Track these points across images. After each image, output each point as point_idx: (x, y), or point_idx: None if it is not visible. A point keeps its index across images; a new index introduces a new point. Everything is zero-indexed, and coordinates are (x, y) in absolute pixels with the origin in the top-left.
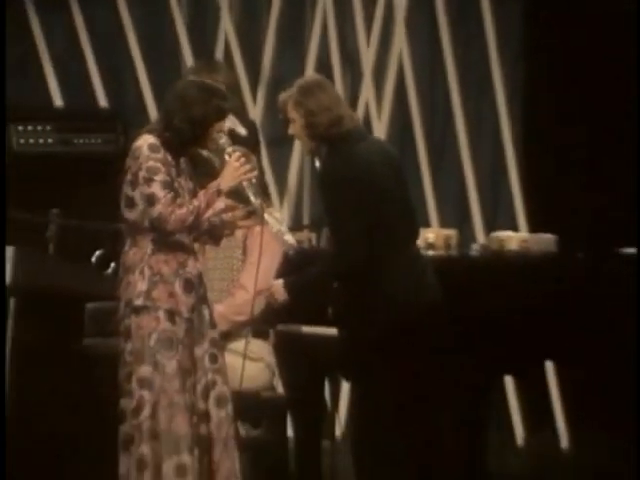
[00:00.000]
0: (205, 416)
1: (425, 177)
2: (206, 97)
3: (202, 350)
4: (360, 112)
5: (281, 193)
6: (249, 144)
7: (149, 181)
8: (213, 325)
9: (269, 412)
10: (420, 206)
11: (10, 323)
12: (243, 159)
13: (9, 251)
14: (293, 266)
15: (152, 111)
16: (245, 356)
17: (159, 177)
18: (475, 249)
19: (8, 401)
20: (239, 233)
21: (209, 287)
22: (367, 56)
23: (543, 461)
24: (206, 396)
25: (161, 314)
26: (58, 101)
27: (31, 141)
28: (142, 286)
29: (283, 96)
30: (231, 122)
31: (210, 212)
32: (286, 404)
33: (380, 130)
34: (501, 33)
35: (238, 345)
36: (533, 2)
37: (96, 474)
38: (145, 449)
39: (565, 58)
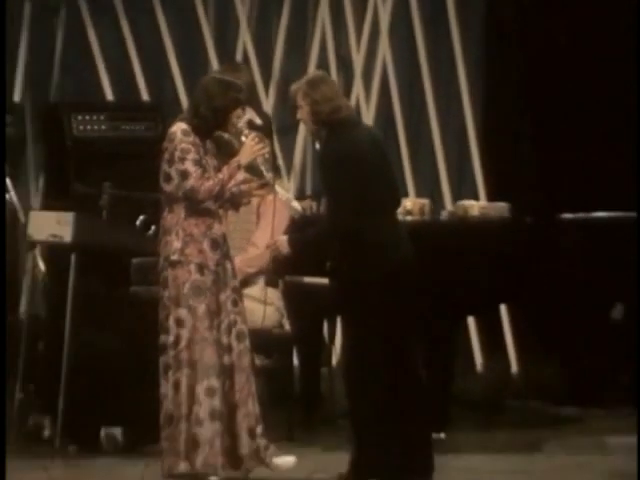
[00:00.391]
0: (228, 348)
1: (404, 157)
2: (225, 90)
3: (225, 296)
4: (352, 104)
5: (288, 169)
6: (264, 131)
7: (183, 159)
8: (234, 276)
9: (279, 346)
10: (400, 180)
11: (71, 274)
12: (257, 139)
13: (70, 216)
14: (298, 228)
15: (184, 103)
16: (266, 302)
17: (190, 156)
18: (444, 215)
19: (70, 337)
20: (254, 201)
21: (230, 245)
22: (357, 59)
23: (497, 383)
24: (229, 333)
25: (192, 267)
26: (109, 96)
27: (88, 128)
28: (177, 244)
29: (294, 87)
30: (250, 114)
31: (232, 183)
32: (292, 339)
33: (368, 119)
34: (465, 39)
35: (251, 291)
36: (493, 11)
37: (142, 394)
38: (180, 375)
39: (518, 60)
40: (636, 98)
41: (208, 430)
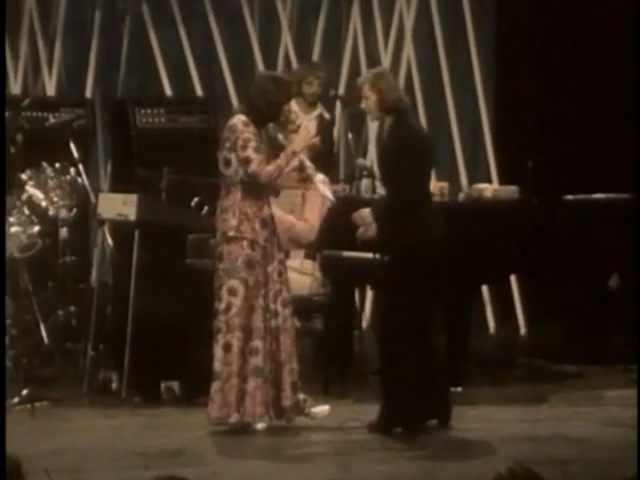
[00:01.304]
0: (275, 313)
1: None
2: (276, 86)
3: (272, 268)
4: None
5: None
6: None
7: (245, 147)
8: (280, 249)
9: (316, 311)
10: None
11: (135, 247)
12: (309, 128)
13: (134, 197)
14: (333, 211)
15: (234, 98)
16: (313, 274)
17: (252, 144)
18: (461, 196)
19: (134, 302)
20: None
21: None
22: (385, 59)
23: (507, 343)
24: (275, 300)
25: (245, 243)
26: (168, 92)
27: (150, 120)
28: (234, 222)
29: (360, 80)
30: (320, 108)
31: (288, 168)
32: (328, 305)
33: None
34: (479, 40)
35: (292, 263)
36: (504, 14)
37: (197, 353)
38: (230, 337)
39: (529, 53)
40: (636, 90)
41: (251, 384)
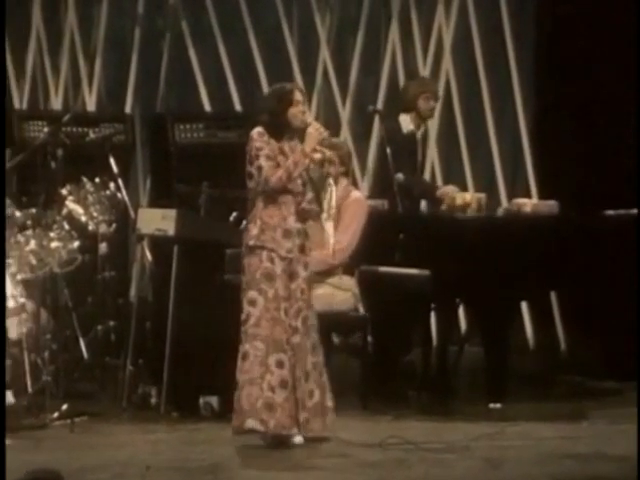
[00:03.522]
0: (295, 330)
1: (465, 159)
2: (277, 95)
3: (296, 284)
4: None
5: (362, 171)
6: (345, 156)
7: (257, 156)
8: (305, 268)
9: (354, 326)
10: (462, 179)
11: (174, 262)
12: (318, 127)
13: (173, 212)
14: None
15: None
16: (351, 290)
17: (263, 152)
18: (500, 211)
19: (173, 317)
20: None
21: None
22: (424, 74)
23: (547, 360)
24: (296, 316)
25: (264, 256)
26: (207, 107)
27: (188, 135)
28: (254, 231)
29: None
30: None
31: (299, 169)
32: (366, 320)
33: (433, 126)
34: (519, 52)
35: (332, 279)
36: (543, 27)
37: (235, 367)
38: (247, 347)
39: (569, 65)
40: None
41: (279, 396)
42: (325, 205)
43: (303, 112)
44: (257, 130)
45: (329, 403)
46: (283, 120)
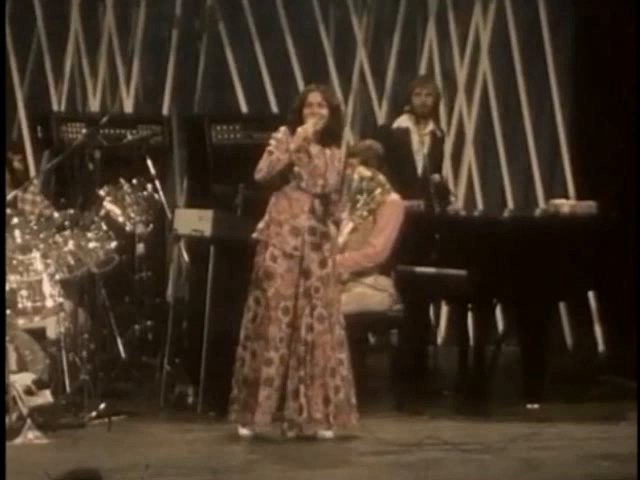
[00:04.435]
0: (310, 328)
1: (502, 160)
2: (299, 95)
3: (309, 283)
4: (455, 114)
5: None
6: (379, 159)
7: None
8: (322, 266)
9: (391, 326)
10: (499, 180)
11: (211, 263)
12: (306, 128)
13: (210, 213)
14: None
15: None
16: (387, 290)
17: (268, 148)
18: (538, 212)
19: (210, 317)
20: (372, 206)
21: (353, 243)
22: (461, 74)
23: (586, 360)
24: (311, 315)
25: (267, 255)
26: (244, 108)
27: (225, 136)
28: (261, 225)
29: None
30: (433, 125)
31: (280, 165)
32: (403, 320)
33: (470, 128)
34: (556, 53)
35: (368, 279)
36: (582, 27)
37: None
38: (255, 345)
39: (608, 65)
40: None
41: (262, 394)
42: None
43: (312, 113)
44: (280, 128)
45: (353, 400)
46: (298, 120)
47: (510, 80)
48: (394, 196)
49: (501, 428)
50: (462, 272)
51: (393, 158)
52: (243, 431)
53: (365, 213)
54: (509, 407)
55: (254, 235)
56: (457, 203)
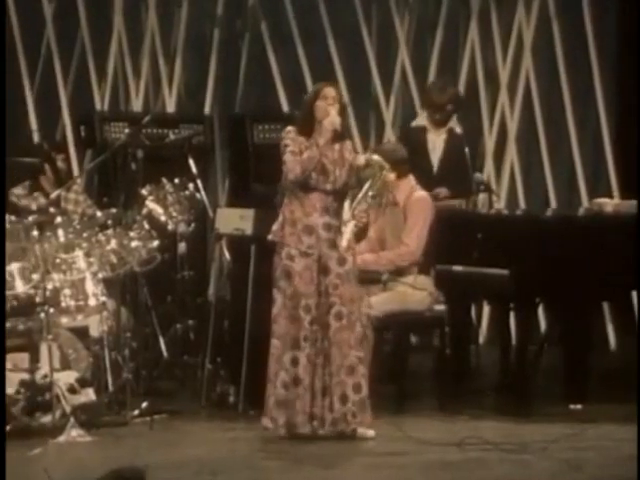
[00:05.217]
0: (327, 325)
1: (545, 159)
2: (310, 93)
3: (328, 280)
4: (497, 114)
5: None
6: (401, 162)
7: (284, 152)
8: (341, 264)
9: (431, 326)
10: (542, 179)
11: (252, 261)
12: (332, 120)
13: (251, 212)
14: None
15: (351, 115)
16: (427, 289)
17: (289, 149)
18: (581, 211)
19: (251, 316)
20: (401, 203)
21: (387, 242)
22: (503, 74)
23: (630, 360)
24: (328, 312)
25: (283, 254)
26: (285, 107)
27: (267, 136)
28: (275, 226)
29: None
30: (453, 122)
31: (313, 163)
32: (444, 320)
33: (512, 127)
34: (600, 52)
35: (407, 279)
36: (626, 24)
37: None
38: (272, 345)
39: None
40: None
41: (292, 394)
42: (351, 205)
43: (329, 105)
44: (287, 129)
45: (367, 399)
46: (308, 113)
47: (553, 78)
48: (421, 193)
49: (543, 428)
50: (504, 271)
51: (410, 156)
52: (280, 430)
53: (370, 199)
54: (551, 407)
55: (269, 237)
56: (500, 202)
